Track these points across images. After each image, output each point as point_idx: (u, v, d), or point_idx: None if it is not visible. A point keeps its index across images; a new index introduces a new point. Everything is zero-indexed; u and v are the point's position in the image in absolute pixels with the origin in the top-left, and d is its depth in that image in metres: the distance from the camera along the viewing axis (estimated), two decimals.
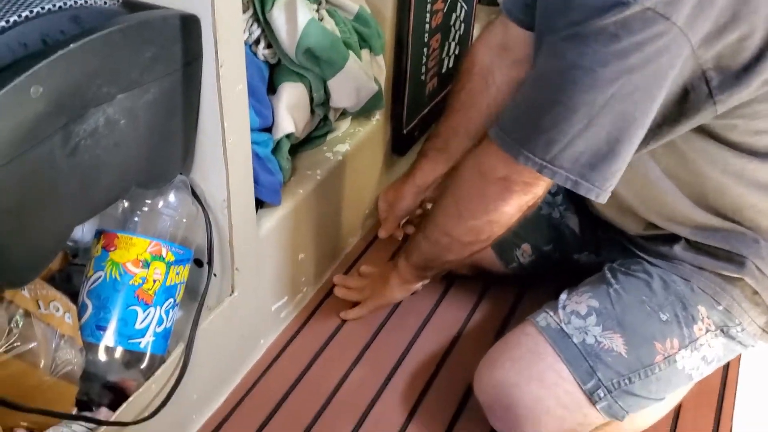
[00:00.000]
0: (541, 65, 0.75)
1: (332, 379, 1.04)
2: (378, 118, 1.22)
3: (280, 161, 0.99)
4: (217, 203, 0.86)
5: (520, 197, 0.79)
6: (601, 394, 0.86)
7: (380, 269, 1.12)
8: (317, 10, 1.01)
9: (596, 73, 0.68)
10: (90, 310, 0.80)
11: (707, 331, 0.89)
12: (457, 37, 1.33)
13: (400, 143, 1.30)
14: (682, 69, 0.69)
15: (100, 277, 0.81)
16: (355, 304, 1.13)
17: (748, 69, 0.71)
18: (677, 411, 1.01)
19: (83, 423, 0.75)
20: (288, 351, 1.08)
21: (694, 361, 0.89)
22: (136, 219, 0.84)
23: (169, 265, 0.83)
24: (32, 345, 0.71)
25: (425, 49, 1.23)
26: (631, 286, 0.91)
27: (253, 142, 0.89)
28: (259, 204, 0.97)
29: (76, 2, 0.65)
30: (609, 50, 0.67)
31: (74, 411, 0.77)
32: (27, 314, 0.72)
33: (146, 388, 0.80)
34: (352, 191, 1.19)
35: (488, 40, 1.02)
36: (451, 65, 1.35)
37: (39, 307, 0.74)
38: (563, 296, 0.93)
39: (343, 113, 1.15)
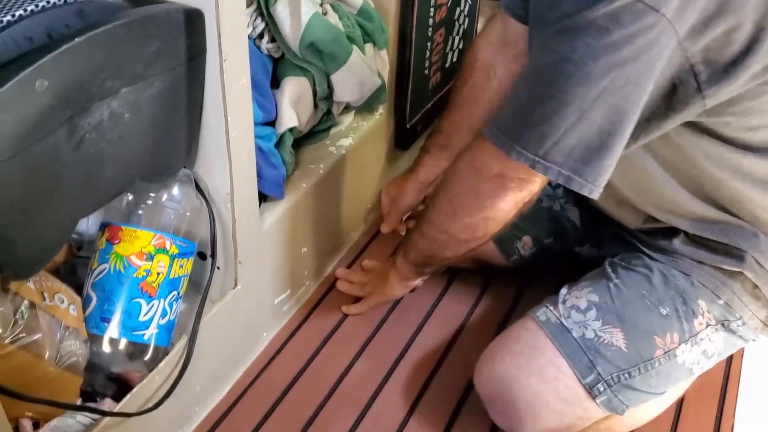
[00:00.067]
0: (533, 60, 0.75)
1: (334, 372, 1.04)
2: (381, 112, 1.22)
3: (283, 155, 0.99)
4: (220, 197, 0.86)
5: (516, 194, 0.79)
6: (601, 389, 0.86)
7: (381, 265, 1.12)
8: (321, 5, 1.01)
9: (588, 66, 0.68)
10: (94, 302, 0.81)
11: (708, 325, 0.89)
12: (461, 31, 1.33)
13: (403, 138, 1.30)
14: (669, 62, 0.69)
15: (104, 270, 0.81)
16: (357, 299, 1.13)
17: (736, 62, 0.70)
18: (679, 405, 1.01)
19: (87, 413, 0.76)
20: (290, 344, 1.08)
21: (695, 356, 0.90)
22: (140, 212, 0.84)
23: (172, 258, 0.83)
24: (37, 336, 0.72)
25: (429, 44, 1.23)
26: (631, 281, 0.91)
27: (257, 136, 0.89)
28: (262, 198, 0.97)
29: None
30: (600, 43, 0.67)
31: (78, 402, 0.78)
32: (32, 306, 0.73)
33: (150, 379, 0.81)
34: (355, 185, 1.19)
35: (489, 36, 1.02)
36: (454, 60, 1.35)
37: (44, 299, 0.75)
38: (563, 291, 0.93)
39: (347, 107, 1.15)
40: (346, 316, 1.12)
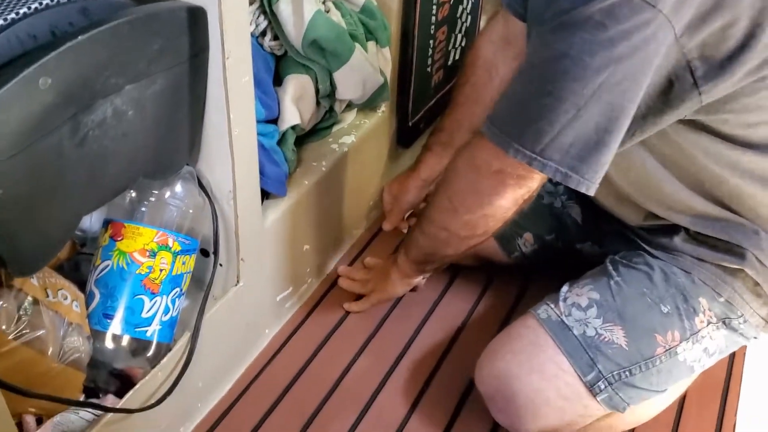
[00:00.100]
0: (530, 56, 0.75)
1: (336, 369, 1.04)
2: (383, 110, 1.22)
3: (285, 153, 1.00)
4: (223, 194, 0.86)
5: (515, 191, 0.79)
6: (602, 386, 0.87)
7: (383, 263, 1.12)
8: (324, 2, 1.01)
9: (584, 62, 0.68)
10: (97, 298, 0.81)
11: (709, 323, 0.89)
12: (463, 29, 1.33)
13: (405, 135, 1.30)
14: (666, 57, 0.69)
15: (107, 266, 0.82)
16: (358, 296, 1.13)
17: (732, 58, 0.70)
18: (681, 403, 1.02)
19: (90, 409, 0.76)
20: (292, 341, 1.08)
21: (696, 353, 0.90)
22: (143, 209, 0.84)
23: (175, 254, 0.84)
24: (41, 332, 0.72)
25: (431, 41, 1.23)
26: (632, 279, 0.91)
27: (259, 134, 0.90)
28: (265, 195, 0.97)
29: None
30: (596, 39, 0.67)
31: (81, 398, 0.79)
32: (36, 302, 0.73)
33: (152, 375, 0.81)
34: (357, 183, 1.20)
35: (490, 34, 1.02)
36: (457, 57, 1.35)
37: (47, 295, 0.75)
38: (564, 288, 0.93)
39: (349, 105, 1.15)
40: (347, 313, 1.13)
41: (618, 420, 0.94)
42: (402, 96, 1.24)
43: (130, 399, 0.78)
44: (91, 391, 0.81)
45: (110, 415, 0.76)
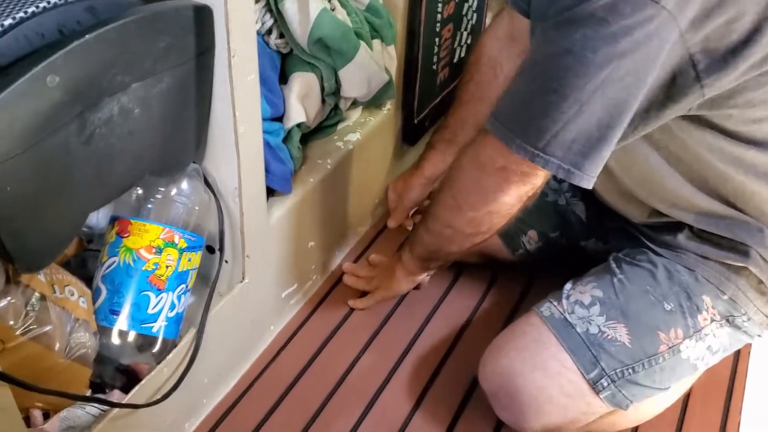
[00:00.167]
0: (534, 53, 0.75)
1: (341, 365, 1.05)
2: (389, 107, 1.22)
3: (291, 150, 1.00)
4: (228, 191, 0.87)
5: (519, 187, 0.79)
6: (605, 384, 0.87)
7: (387, 260, 1.12)
8: (329, 1, 1.01)
9: (586, 58, 0.68)
10: (104, 294, 0.81)
11: (712, 320, 0.89)
12: (469, 26, 1.33)
13: (410, 133, 1.30)
14: (670, 53, 0.69)
15: (114, 263, 0.82)
16: (363, 293, 1.14)
17: (735, 52, 0.70)
18: (686, 401, 1.01)
19: (96, 405, 0.76)
20: (297, 337, 1.09)
21: (699, 351, 0.90)
22: (149, 206, 0.85)
23: (181, 251, 0.84)
24: (48, 328, 0.73)
25: (437, 39, 1.24)
26: (636, 276, 0.91)
27: (265, 132, 0.90)
28: (270, 192, 0.98)
29: None
30: (599, 35, 0.67)
31: (88, 393, 0.79)
32: (43, 298, 0.73)
33: (158, 371, 0.81)
34: (363, 180, 1.20)
35: (496, 31, 1.02)
36: (463, 55, 1.35)
37: (54, 291, 0.75)
38: (568, 286, 0.93)
39: (354, 103, 1.15)
40: (352, 310, 1.13)
41: (621, 418, 0.94)
42: (407, 93, 1.24)
43: (136, 394, 0.79)
44: (98, 386, 0.81)
45: (116, 410, 0.77)
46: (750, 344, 1.05)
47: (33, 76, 0.58)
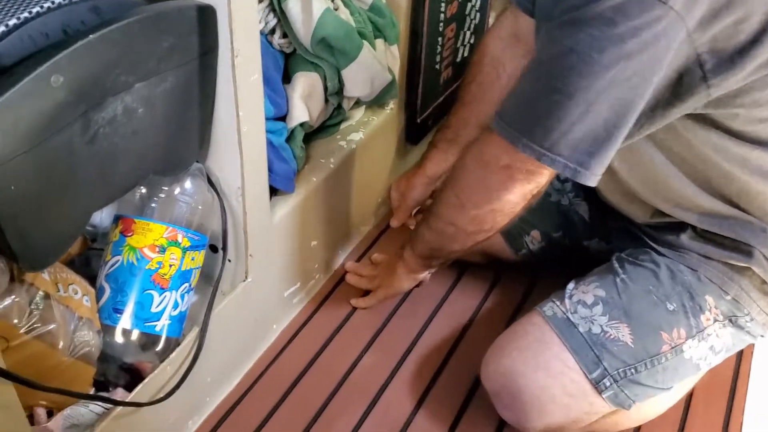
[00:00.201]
0: (539, 53, 0.75)
1: (343, 364, 1.05)
2: (392, 107, 1.22)
3: (294, 149, 1.00)
4: (231, 191, 0.87)
5: (523, 186, 0.79)
6: (607, 383, 0.87)
7: (389, 259, 1.13)
8: (332, 0, 1.01)
9: (593, 58, 0.68)
10: (107, 293, 0.82)
11: (715, 320, 0.89)
12: (472, 26, 1.33)
13: (413, 132, 1.30)
14: (677, 53, 0.69)
15: (117, 262, 0.82)
16: (366, 292, 1.14)
17: (742, 52, 0.70)
18: (688, 401, 1.01)
19: (100, 403, 0.77)
20: (300, 336, 1.09)
21: (702, 351, 0.90)
22: (153, 205, 0.85)
23: (184, 250, 0.84)
24: (51, 326, 0.73)
25: (440, 39, 1.24)
26: (638, 276, 0.91)
27: (268, 131, 0.90)
28: (273, 191, 0.98)
29: None
30: (606, 35, 0.67)
31: (91, 391, 0.79)
32: (47, 296, 0.74)
33: (161, 370, 0.82)
34: (365, 180, 1.20)
35: (499, 31, 1.02)
36: (466, 54, 1.35)
37: (58, 290, 0.76)
38: (570, 286, 0.93)
39: (357, 102, 1.15)
40: (355, 309, 1.13)
41: (624, 417, 0.94)
42: (410, 93, 1.24)
43: (140, 393, 0.79)
44: (101, 384, 0.82)
45: (119, 408, 0.77)
46: (753, 344, 1.05)
47: (37, 76, 0.58)
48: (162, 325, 0.84)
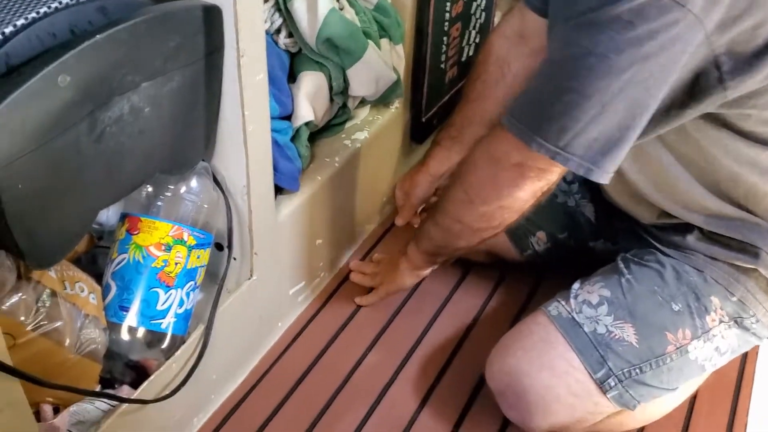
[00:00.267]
0: (554, 52, 0.75)
1: (348, 362, 1.05)
2: (397, 106, 1.22)
3: (299, 148, 1.00)
4: (237, 189, 0.87)
5: (534, 183, 0.79)
6: (612, 383, 0.87)
7: (391, 256, 1.13)
8: (338, 0, 1.01)
9: (610, 60, 0.68)
10: (114, 291, 0.82)
11: (720, 321, 0.89)
12: (477, 25, 1.33)
13: (418, 131, 1.30)
14: (694, 55, 0.69)
15: (123, 260, 0.83)
16: (369, 290, 1.14)
17: (759, 55, 0.70)
18: (692, 402, 1.01)
19: (106, 400, 0.77)
20: (305, 334, 1.09)
21: (707, 352, 0.90)
22: (159, 204, 0.86)
23: (190, 248, 0.85)
24: (58, 324, 0.73)
25: (445, 38, 1.24)
26: (644, 276, 0.91)
27: (273, 130, 0.90)
28: (278, 190, 0.98)
29: None
30: (624, 37, 0.67)
31: (97, 388, 0.80)
32: (53, 294, 0.74)
33: (167, 367, 0.82)
34: (370, 178, 1.20)
35: (505, 30, 1.02)
36: (471, 54, 1.35)
37: (65, 288, 0.76)
38: (575, 285, 0.93)
39: (362, 101, 1.15)
40: (359, 307, 1.13)
41: (628, 418, 0.94)
42: (415, 92, 1.24)
43: (145, 390, 0.79)
44: (107, 381, 0.82)
45: (125, 405, 0.78)
46: (758, 345, 1.05)
47: (44, 76, 0.58)
48: (168, 323, 0.84)
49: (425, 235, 0.96)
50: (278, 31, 0.98)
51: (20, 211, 0.62)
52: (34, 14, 0.62)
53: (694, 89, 0.73)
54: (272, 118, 0.89)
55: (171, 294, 0.84)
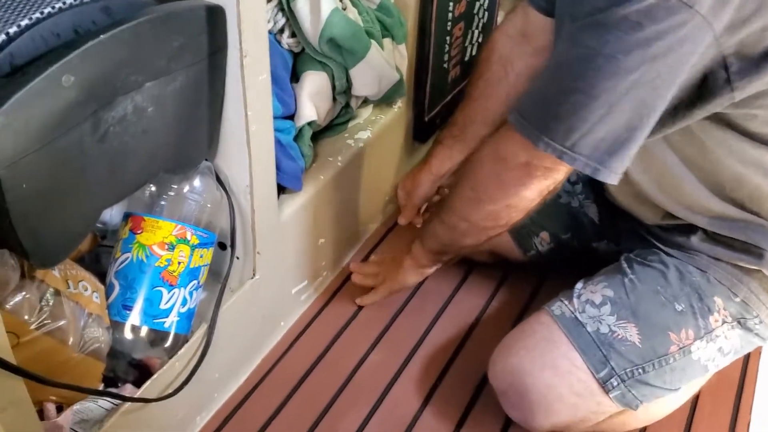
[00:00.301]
0: (561, 52, 0.75)
1: (350, 361, 1.05)
2: (400, 105, 1.22)
3: (302, 148, 1.01)
4: (240, 189, 0.88)
5: (541, 182, 0.80)
6: (615, 383, 0.87)
7: (394, 255, 1.13)
8: (341, 0, 1.01)
9: (618, 60, 0.68)
10: (117, 290, 0.83)
11: (723, 322, 0.89)
12: (480, 25, 1.33)
13: (421, 130, 1.30)
14: (703, 56, 0.69)
15: (127, 259, 0.83)
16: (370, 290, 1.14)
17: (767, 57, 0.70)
18: (695, 402, 1.01)
19: (109, 398, 0.77)
20: (307, 333, 1.09)
21: (710, 352, 0.90)
22: (162, 203, 0.86)
23: (193, 248, 0.85)
24: (62, 323, 0.74)
25: (448, 38, 1.24)
26: (647, 277, 0.91)
27: (276, 130, 0.90)
28: (281, 189, 0.98)
29: None
30: (632, 38, 0.67)
31: (101, 387, 0.80)
32: (57, 293, 0.74)
33: (170, 366, 0.82)
34: (373, 178, 1.20)
35: (508, 29, 1.02)
36: (474, 53, 1.35)
37: (68, 287, 0.76)
38: (579, 285, 0.93)
39: (365, 101, 1.15)
40: (362, 306, 1.13)
41: (631, 417, 0.94)
42: (418, 92, 1.24)
43: (148, 389, 0.80)
44: (110, 380, 0.82)
45: (128, 404, 0.78)
46: (761, 346, 1.05)
47: (48, 76, 0.58)
48: (171, 322, 0.84)
49: (431, 233, 0.96)
50: (281, 30, 0.98)
51: (24, 210, 0.62)
52: (38, 14, 0.62)
53: (701, 90, 0.73)
54: (275, 117, 0.90)
55: (174, 293, 0.84)
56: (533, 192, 0.81)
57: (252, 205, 0.88)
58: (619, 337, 0.87)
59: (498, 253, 1.15)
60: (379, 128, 1.17)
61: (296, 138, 1.00)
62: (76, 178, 0.66)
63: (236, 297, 0.93)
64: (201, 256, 0.86)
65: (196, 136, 0.80)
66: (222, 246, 0.92)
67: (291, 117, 0.99)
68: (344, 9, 1.00)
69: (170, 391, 0.82)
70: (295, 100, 0.99)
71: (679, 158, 0.85)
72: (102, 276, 0.84)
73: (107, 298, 0.82)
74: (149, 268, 0.83)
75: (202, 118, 0.79)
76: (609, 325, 0.88)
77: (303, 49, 1.00)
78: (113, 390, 0.80)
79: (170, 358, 0.83)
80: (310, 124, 1.01)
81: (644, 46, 0.67)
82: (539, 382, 0.88)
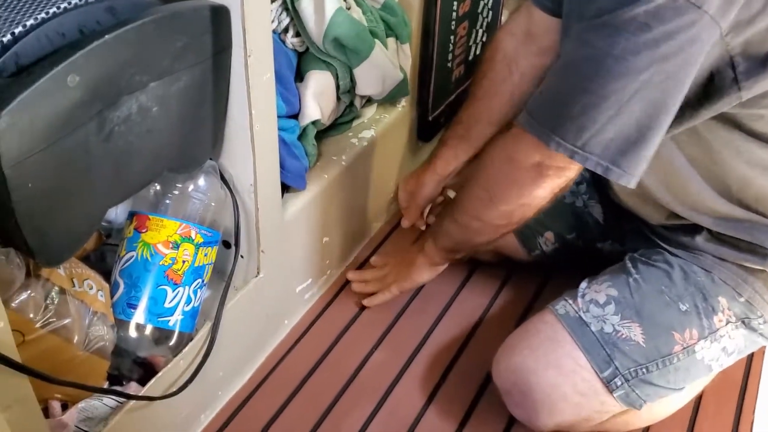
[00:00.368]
0: (570, 53, 0.75)
1: (354, 360, 1.05)
2: (403, 104, 1.22)
3: (306, 147, 1.01)
4: (244, 188, 0.88)
5: (553, 181, 0.80)
6: (618, 383, 0.87)
7: (399, 255, 1.12)
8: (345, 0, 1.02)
9: (627, 61, 0.68)
10: (122, 288, 0.83)
11: (728, 322, 0.89)
12: (484, 24, 1.33)
13: (425, 130, 1.30)
14: (709, 54, 0.69)
15: (131, 257, 0.83)
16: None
17: None
18: (698, 401, 1.01)
19: (113, 396, 0.78)
20: (311, 332, 1.10)
21: (714, 352, 0.89)
22: (167, 202, 0.86)
23: (197, 246, 0.85)
24: (67, 321, 0.74)
25: (452, 37, 1.24)
26: (651, 276, 0.91)
27: (280, 129, 0.91)
28: (285, 188, 0.99)
29: None
30: (640, 40, 0.67)
31: (105, 385, 0.80)
32: (62, 291, 0.75)
33: (174, 364, 0.83)
34: (377, 177, 1.20)
35: (512, 28, 1.02)
36: (478, 53, 1.35)
37: (74, 285, 0.77)
38: (583, 284, 0.93)
39: (369, 100, 1.15)
40: (368, 306, 1.13)
41: (634, 417, 0.94)
42: (422, 91, 1.24)
43: (153, 387, 0.80)
44: (115, 378, 0.82)
45: (133, 402, 0.78)
46: (765, 346, 1.05)
47: (54, 76, 0.59)
48: (175, 320, 0.84)
49: (444, 232, 0.97)
50: (286, 30, 0.98)
51: (30, 209, 0.62)
52: (43, 15, 0.62)
53: (709, 89, 0.73)
54: (279, 116, 0.90)
55: (178, 291, 0.84)
56: (546, 191, 0.81)
57: (256, 203, 0.88)
58: (623, 336, 0.87)
59: (502, 253, 1.15)
60: (383, 127, 1.17)
61: (300, 137, 1.01)
62: (82, 178, 0.67)
63: (240, 295, 0.93)
64: (205, 255, 0.87)
65: (200, 136, 0.81)
66: (226, 245, 0.92)
67: (295, 116, 1.00)
68: (348, 8, 1.01)
69: (174, 389, 0.83)
70: (300, 100, 0.99)
71: (685, 159, 0.85)
72: (107, 274, 0.84)
73: (112, 296, 0.82)
74: (154, 267, 0.83)
75: (206, 117, 0.79)
76: (613, 325, 0.88)
77: (307, 49, 1.01)
78: (118, 388, 0.80)
79: (174, 356, 0.83)
80: (314, 123, 1.01)
81: (653, 47, 0.67)
82: (543, 381, 0.88)
